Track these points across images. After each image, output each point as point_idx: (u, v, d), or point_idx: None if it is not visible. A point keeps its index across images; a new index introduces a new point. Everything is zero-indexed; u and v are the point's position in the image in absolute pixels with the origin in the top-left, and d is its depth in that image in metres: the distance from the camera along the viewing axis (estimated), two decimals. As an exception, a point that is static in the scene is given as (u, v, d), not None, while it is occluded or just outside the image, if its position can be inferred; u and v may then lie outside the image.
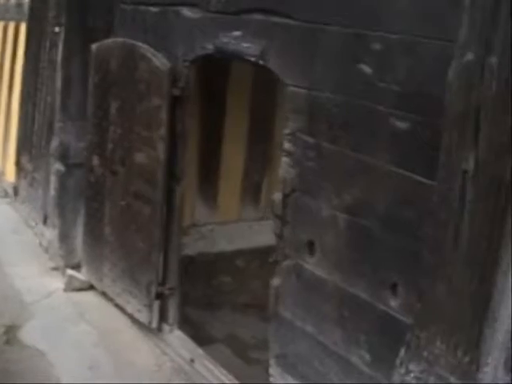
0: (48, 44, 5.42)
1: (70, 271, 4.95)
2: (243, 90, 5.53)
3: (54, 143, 4.95)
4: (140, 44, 4.20)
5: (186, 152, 4.17)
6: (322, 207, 3.17)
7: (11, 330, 4.38)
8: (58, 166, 4.94)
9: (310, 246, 3.27)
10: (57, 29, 5.18)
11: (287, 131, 3.30)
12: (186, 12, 4.08)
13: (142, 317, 4.46)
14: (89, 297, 4.85)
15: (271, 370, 3.59)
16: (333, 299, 3.16)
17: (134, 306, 4.52)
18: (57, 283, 4.98)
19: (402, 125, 2.77)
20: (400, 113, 2.78)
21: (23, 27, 6.00)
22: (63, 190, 4.95)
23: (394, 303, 2.88)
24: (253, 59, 3.48)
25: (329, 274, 3.18)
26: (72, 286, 4.90)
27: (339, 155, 3.05)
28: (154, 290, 4.35)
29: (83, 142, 4.91)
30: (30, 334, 4.36)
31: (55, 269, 5.15)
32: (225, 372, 4.10)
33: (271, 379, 3.60)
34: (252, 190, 5.72)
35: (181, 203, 4.26)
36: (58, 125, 4.96)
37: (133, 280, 4.52)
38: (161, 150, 4.13)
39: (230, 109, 5.52)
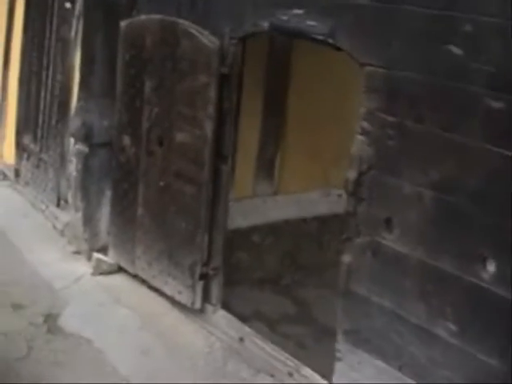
0: (56, 20, 5.37)
1: (96, 255, 5.00)
2: (257, 65, 5.62)
3: (75, 123, 4.95)
4: (182, 21, 4.25)
5: (234, 130, 4.27)
6: (403, 185, 3.35)
7: (50, 319, 4.42)
8: (80, 147, 4.95)
9: (388, 223, 3.47)
10: (68, 4, 5.15)
11: (363, 110, 3.47)
12: (231, -12, 4.17)
13: (184, 298, 4.57)
14: (119, 280, 4.93)
15: (338, 346, 3.79)
16: (415, 274, 3.36)
17: (173, 287, 4.62)
18: (82, 267, 5.04)
19: (496, 104, 2.98)
20: (494, 93, 2.99)
21: (20, 1, 5.89)
22: (86, 171, 4.97)
23: (485, 275, 3.11)
24: (320, 38, 3.61)
25: (411, 249, 3.37)
26: (100, 270, 4.95)
27: (426, 134, 3.23)
28: (198, 270, 4.46)
29: (107, 121, 4.94)
30: (70, 322, 4.41)
31: (77, 253, 5.20)
32: (276, 348, 4.29)
33: (338, 354, 3.81)
34: (266, 166, 5.83)
35: (227, 182, 4.37)
36: (78, 104, 4.97)
37: (172, 261, 4.61)
38: (208, 128, 4.21)
39: (245, 83, 5.61)
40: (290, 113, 5.71)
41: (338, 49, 3.62)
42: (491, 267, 3.09)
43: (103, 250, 5.10)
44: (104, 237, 5.09)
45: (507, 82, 2.95)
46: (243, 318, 4.81)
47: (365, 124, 3.48)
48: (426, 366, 3.40)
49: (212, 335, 4.45)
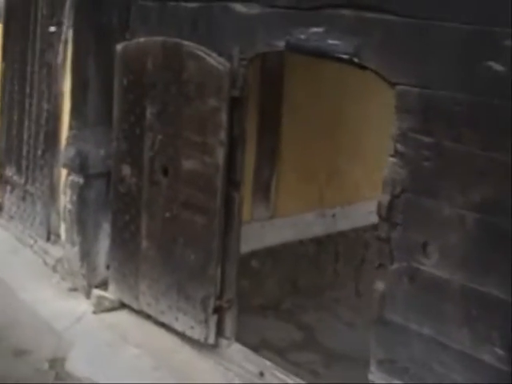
0: (39, 45, 5.16)
1: (97, 291, 4.79)
2: (252, 85, 5.53)
3: (69, 153, 4.74)
4: (186, 42, 4.11)
5: (245, 156, 4.14)
6: (442, 207, 3.26)
7: (57, 364, 4.20)
8: (75, 178, 4.73)
9: (426, 247, 3.38)
10: (52, 28, 4.96)
11: (395, 131, 3.39)
12: (239, 7, 4.05)
13: (196, 333, 4.40)
14: (123, 317, 4.73)
15: (371, 376, 3.68)
16: (457, 299, 3.28)
17: (184, 322, 4.44)
18: (82, 305, 4.82)
19: (539, 121, 2.93)
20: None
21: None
22: (82, 203, 4.76)
23: (534, 298, 3.05)
24: (344, 57, 3.52)
25: (451, 273, 3.28)
26: (102, 307, 4.74)
27: (466, 154, 3.15)
28: (211, 304, 4.30)
29: (103, 150, 4.76)
30: (78, 366, 4.19)
31: (73, 289, 4.98)
32: (298, 380, 4.16)
33: (371, 386, 3.71)
34: (262, 189, 5.72)
35: (239, 210, 4.23)
36: (71, 133, 4.76)
37: (182, 295, 4.43)
38: (220, 155, 4.07)
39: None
40: (284, 132, 5.64)
41: (364, 68, 3.57)
42: (539, 289, 3.06)
43: (102, 285, 4.89)
44: (102, 272, 4.89)
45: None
46: (252, 349, 4.71)
47: (397, 145, 3.41)
48: (471, 394, 3.36)
49: (229, 371, 4.29)
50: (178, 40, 4.18)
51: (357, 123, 5.87)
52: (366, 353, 5.17)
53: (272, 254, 5.77)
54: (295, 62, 5.23)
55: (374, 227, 6.05)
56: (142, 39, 4.35)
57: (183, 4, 4.36)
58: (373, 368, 3.69)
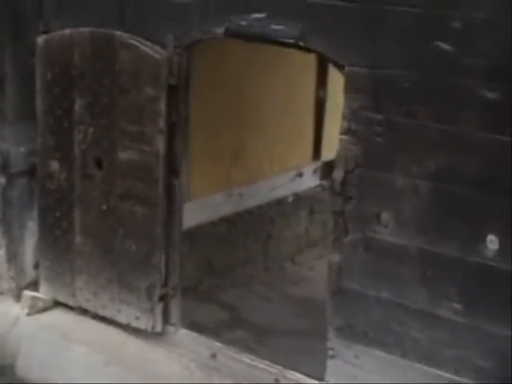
0: None
1: (28, 292, 4.61)
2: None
3: (-13, 152, 4.50)
4: (119, 32, 4.03)
5: (185, 143, 4.14)
6: (396, 178, 3.49)
7: (7, 372, 4.07)
8: (-4, 178, 4.52)
9: (381, 218, 3.59)
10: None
11: (346, 110, 3.55)
12: (172, -5, 4.04)
13: (142, 323, 4.38)
14: (59, 316, 4.61)
15: (330, 344, 3.87)
16: (415, 262, 3.54)
17: (128, 314, 4.42)
18: (13, 308, 4.65)
19: (491, 95, 3.21)
20: (489, 84, 3.21)
21: None
22: (6, 204, 4.56)
23: (489, 253, 3.34)
24: (290, 41, 3.63)
25: (409, 239, 3.53)
26: (36, 308, 4.59)
27: (418, 128, 3.39)
28: (157, 292, 4.31)
29: (24, 148, 4.57)
30: (30, 371, 4.12)
31: (0, 293, 4.75)
32: (253, 357, 4.26)
33: (330, 352, 3.88)
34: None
35: (180, 198, 4.24)
36: (-12, 132, 4.51)
37: (125, 287, 4.40)
38: (160, 143, 4.06)
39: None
40: (191, 115, 5.66)
41: (310, 51, 3.70)
42: (493, 245, 3.36)
43: (31, 286, 4.74)
44: (30, 272, 4.73)
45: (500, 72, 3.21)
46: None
47: (348, 124, 3.59)
48: (432, 348, 3.62)
49: (183, 356, 4.33)
50: (108, 30, 4.11)
51: (258, 101, 6.02)
52: (287, 325, 5.49)
53: (188, 236, 5.82)
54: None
55: (278, 203, 6.44)
56: (67, 31, 4.22)
57: (106, -7, 4.29)
58: (331, 335, 3.89)
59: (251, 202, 6.17)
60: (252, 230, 6.24)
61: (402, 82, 3.42)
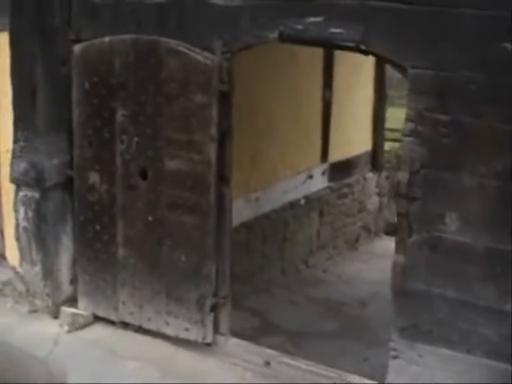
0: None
1: (68, 309, 4.55)
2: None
3: (20, 166, 4.45)
4: (165, 39, 3.99)
5: (232, 150, 4.13)
6: (462, 178, 3.60)
7: (59, 392, 3.95)
8: (28, 193, 4.46)
9: (446, 218, 3.67)
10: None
11: (410, 112, 3.63)
12: (217, 0, 4.01)
13: (192, 334, 4.41)
14: (101, 331, 4.60)
15: (393, 345, 3.95)
16: (482, 260, 3.65)
17: (177, 326, 4.44)
18: (51, 326, 4.60)
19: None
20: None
21: None
22: (39, 219, 4.51)
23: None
24: (350, 45, 3.69)
25: (475, 238, 3.65)
26: (77, 325, 4.54)
27: (485, 128, 3.50)
28: (208, 303, 4.33)
29: (56, 160, 4.52)
30: (88, 393, 3.99)
31: (33, 311, 4.67)
32: (309, 362, 4.30)
33: (393, 353, 3.94)
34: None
35: (230, 206, 4.24)
36: (17, 145, 4.42)
37: (172, 299, 4.42)
38: (212, 151, 4.08)
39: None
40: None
41: (372, 54, 3.75)
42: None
43: (67, 302, 4.67)
44: (67, 288, 4.69)
45: None
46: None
47: (413, 125, 3.66)
48: (499, 343, 3.73)
49: (236, 366, 4.38)
50: (152, 37, 4.09)
51: (268, 106, 6.04)
52: (317, 327, 5.55)
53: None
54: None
55: (291, 206, 6.48)
56: (106, 38, 4.21)
57: (145, -1, 4.25)
58: (394, 336, 3.98)
59: (267, 206, 6.24)
60: (269, 235, 6.32)
61: (469, 83, 3.56)
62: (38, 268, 4.61)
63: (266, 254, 6.27)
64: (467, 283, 3.79)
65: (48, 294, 4.64)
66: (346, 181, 7.05)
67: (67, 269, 4.69)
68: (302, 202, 6.54)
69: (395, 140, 8.56)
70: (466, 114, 3.61)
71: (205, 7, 4.16)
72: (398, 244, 3.90)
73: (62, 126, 4.51)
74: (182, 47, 4.08)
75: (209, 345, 4.45)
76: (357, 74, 7.00)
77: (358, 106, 7.15)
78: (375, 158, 7.30)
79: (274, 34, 3.97)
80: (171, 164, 4.25)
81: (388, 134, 7.97)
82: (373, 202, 7.51)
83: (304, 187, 6.54)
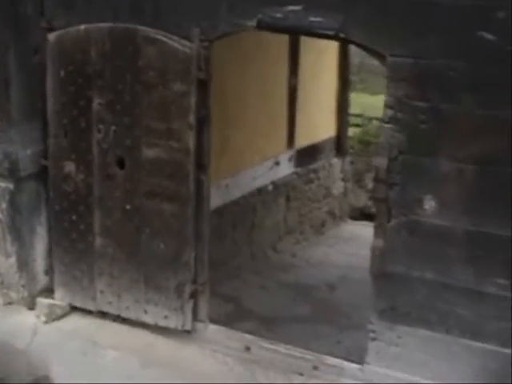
0: None
1: (44, 300, 4.52)
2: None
3: (-6, 157, 4.33)
4: (142, 27, 3.98)
5: (210, 138, 4.14)
6: (441, 164, 3.68)
7: (43, 383, 3.91)
8: (1, 184, 4.42)
9: (423, 202, 3.77)
10: None
11: (390, 99, 3.70)
12: (193, -12, 4.03)
13: (171, 322, 4.44)
14: (78, 321, 4.60)
15: (372, 327, 4.05)
16: (461, 243, 3.76)
17: (155, 314, 4.47)
18: (28, 317, 4.57)
19: (535, 79, 3.45)
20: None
21: None
22: (14, 210, 4.47)
23: (537, 230, 3.61)
24: (330, 33, 3.74)
25: (453, 221, 3.77)
26: (54, 316, 4.53)
27: (463, 114, 3.60)
28: (187, 290, 4.35)
29: (30, 150, 4.47)
30: (68, 381, 3.98)
31: (9, 303, 4.62)
32: (288, 346, 4.37)
33: (371, 335, 4.04)
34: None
35: (208, 193, 4.25)
36: (-7, 134, 4.34)
37: (151, 287, 4.43)
38: (190, 139, 4.10)
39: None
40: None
41: (351, 42, 3.80)
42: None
43: (43, 293, 4.64)
44: (42, 279, 4.66)
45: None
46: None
47: (392, 112, 3.74)
48: (476, 323, 3.87)
49: (217, 352, 4.43)
50: (129, 25, 4.07)
51: (236, 94, 6.06)
52: (290, 312, 5.61)
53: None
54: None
55: (259, 192, 6.52)
56: (82, 26, 4.18)
57: (121, -13, 4.22)
58: (373, 319, 4.08)
59: (236, 193, 6.27)
60: (238, 221, 6.36)
61: (448, 70, 3.65)
62: (12, 259, 4.56)
63: (236, 240, 6.35)
64: (446, 265, 3.90)
65: (23, 286, 4.60)
66: (312, 166, 7.15)
67: (42, 259, 4.67)
68: (270, 187, 6.60)
69: (357, 125, 8.72)
70: (445, 101, 3.71)
71: (183, -5, 4.22)
72: (376, 228, 3.98)
73: (35, 115, 4.46)
74: (160, 35, 4.07)
75: (188, 332, 4.50)
76: (321, 61, 7.08)
77: (323, 91, 7.23)
78: (340, 144, 7.40)
79: (253, 22, 4.01)
80: (149, 152, 4.25)
81: (350, 120, 8.11)
82: (338, 187, 7.64)
83: (271, 173, 6.59)
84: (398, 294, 4.03)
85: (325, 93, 7.34)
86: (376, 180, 3.95)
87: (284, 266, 6.54)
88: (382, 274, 4.04)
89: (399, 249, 3.98)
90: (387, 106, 3.82)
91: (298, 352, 4.40)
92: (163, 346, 4.43)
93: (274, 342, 4.47)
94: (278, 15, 3.95)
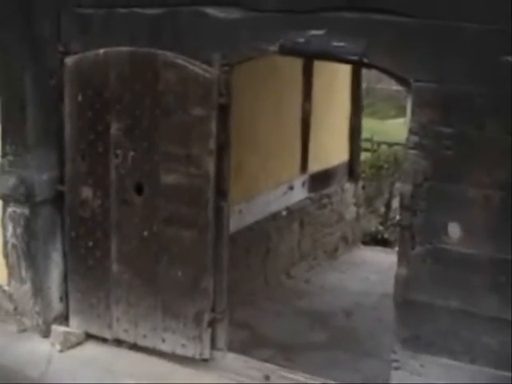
0: None
1: (60, 327, 4.46)
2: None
3: (8, 182, 4.37)
4: (162, 51, 3.95)
5: (230, 164, 4.11)
6: (466, 189, 3.65)
7: (59, 412, 3.86)
8: (17, 209, 4.37)
9: (449, 229, 3.72)
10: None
11: (414, 125, 3.66)
12: (214, 12, 4.04)
13: (189, 351, 4.40)
14: (95, 350, 4.56)
15: (395, 356, 3.97)
16: (487, 270, 3.70)
17: (173, 342, 4.42)
18: (42, 345, 4.52)
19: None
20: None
21: None
22: (29, 235, 4.43)
23: (559, 258, 3.56)
24: (354, 58, 3.70)
25: (478, 248, 3.71)
26: (69, 343, 4.46)
27: (489, 140, 3.56)
28: (206, 318, 4.30)
29: (46, 175, 4.45)
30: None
31: (23, 330, 4.56)
32: (306, 376, 4.30)
33: (394, 364, 3.96)
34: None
35: (228, 220, 4.21)
36: (6, 159, 4.31)
37: (168, 315, 4.39)
38: (210, 165, 4.06)
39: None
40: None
41: (374, 67, 3.77)
42: None
43: (58, 320, 4.58)
44: (57, 306, 4.60)
45: None
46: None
47: (417, 138, 3.70)
48: (501, 352, 3.79)
49: (235, 381, 4.30)
50: (149, 49, 4.05)
51: (250, 117, 6.03)
52: (306, 339, 5.54)
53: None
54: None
55: (273, 217, 6.47)
56: (101, 50, 4.16)
57: (139, 11, 4.21)
58: (396, 347, 4.01)
59: (250, 218, 6.23)
60: (252, 246, 6.30)
61: (472, 95, 3.63)
62: (27, 286, 4.53)
63: (250, 266, 6.29)
64: (470, 293, 3.86)
65: (38, 313, 4.57)
66: (325, 191, 7.13)
67: (57, 286, 4.63)
68: (284, 213, 6.60)
69: (366, 150, 8.71)
70: (470, 126, 3.70)
71: (203, 19, 4.17)
72: (400, 256, 3.94)
73: (51, 139, 4.46)
74: (180, 60, 4.07)
75: (205, 360, 4.47)
76: (334, 85, 7.09)
77: (336, 116, 7.24)
78: (352, 168, 7.40)
79: (275, 47, 4.01)
80: (168, 178, 4.23)
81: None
82: (350, 212, 7.61)
83: (285, 198, 6.59)
84: (422, 322, 3.98)
85: (337, 117, 7.36)
86: (400, 207, 3.93)
87: (298, 292, 6.50)
88: (405, 302, 3.99)
89: (423, 276, 3.94)
90: (412, 131, 3.80)
91: (317, 381, 4.36)
92: (181, 374, 4.38)
93: (293, 371, 4.44)
94: (301, 40, 3.94)
